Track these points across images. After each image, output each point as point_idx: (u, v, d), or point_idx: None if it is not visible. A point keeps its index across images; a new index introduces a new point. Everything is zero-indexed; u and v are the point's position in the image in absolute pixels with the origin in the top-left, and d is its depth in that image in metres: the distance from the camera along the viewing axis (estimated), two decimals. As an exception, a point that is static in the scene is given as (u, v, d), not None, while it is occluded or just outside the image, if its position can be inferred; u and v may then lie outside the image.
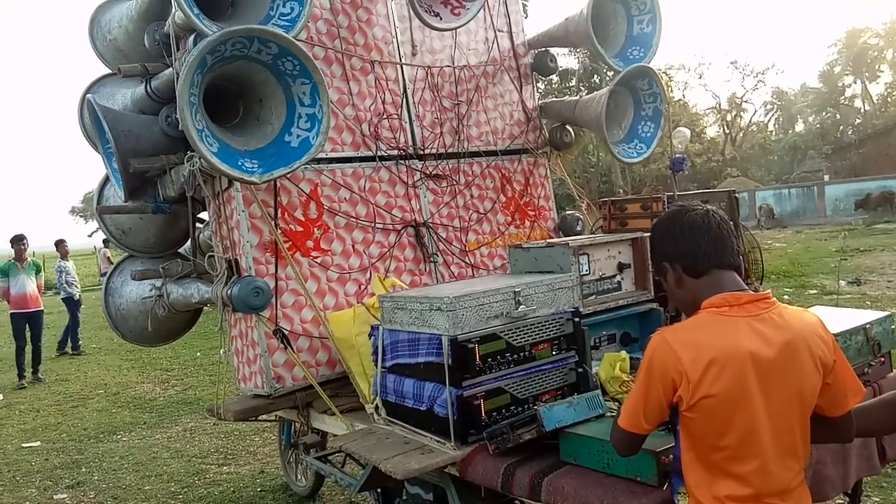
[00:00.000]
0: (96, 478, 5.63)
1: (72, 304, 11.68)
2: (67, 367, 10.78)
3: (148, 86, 4.03)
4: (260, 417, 4.23)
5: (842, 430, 1.89)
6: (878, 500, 3.98)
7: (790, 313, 1.78)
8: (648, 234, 3.65)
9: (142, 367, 10.22)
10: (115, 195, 4.37)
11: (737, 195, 4.48)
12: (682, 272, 1.83)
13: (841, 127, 42.90)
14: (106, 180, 4.55)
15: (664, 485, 2.10)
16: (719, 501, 1.71)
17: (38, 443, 6.77)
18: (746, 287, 1.80)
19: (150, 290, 4.34)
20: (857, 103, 46.48)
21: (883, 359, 3.05)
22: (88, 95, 4.16)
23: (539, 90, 5.45)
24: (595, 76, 29.97)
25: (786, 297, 10.45)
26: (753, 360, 1.67)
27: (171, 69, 3.83)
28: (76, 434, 6.99)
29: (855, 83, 45.92)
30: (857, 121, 43.58)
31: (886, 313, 3.14)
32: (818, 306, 3.79)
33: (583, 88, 29.22)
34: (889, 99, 42.44)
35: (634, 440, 1.84)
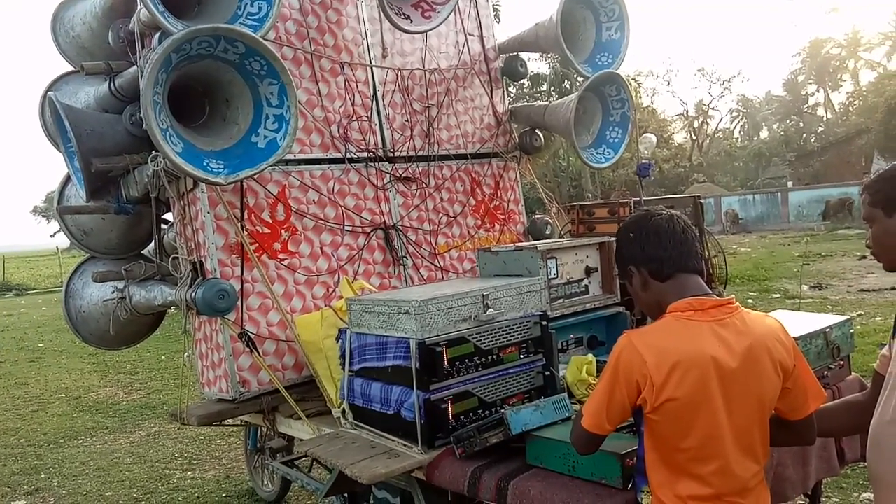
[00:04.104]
0: (56, 484, 5.50)
1: None
2: (27, 371, 10.51)
3: (112, 84, 3.95)
4: (225, 422, 4.17)
5: (803, 434, 1.93)
6: (837, 500, 4.07)
7: (752, 318, 1.81)
8: (615, 238, 3.70)
9: (104, 371, 10.01)
10: (77, 195, 4.27)
11: (702, 200, 4.54)
12: (648, 276, 1.85)
13: (804, 134, 43.91)
14: (67, 180, 4.45)
15: (629, 486, 2.12)
16: (681, 501, 1.74)
17: (-4, 448, 6.59)
18: (710, 291, 1.83)
19: (112, 293, 4.24)
20: (820, 111, 47.62)
21: (842, 362, 3.11)
22: (50, 93, 4.06)
23: (510, 95, 5.48)
24: (566, 81, 30.20)
25: (749, 300, 10.65)
26: (716, 365, 1.69)
27: (135, 67, 3.76)
28: (35, 439, 6.81)
29: (818, 92, 47.08)
30: (820, 129, 44.64)
31: (846, 317, 3.21)
32: (780, 310, 3.86)
33: (553, 94, 29.42)
34: (850, 108, 43.51)
35: (595, 440, 1.86)
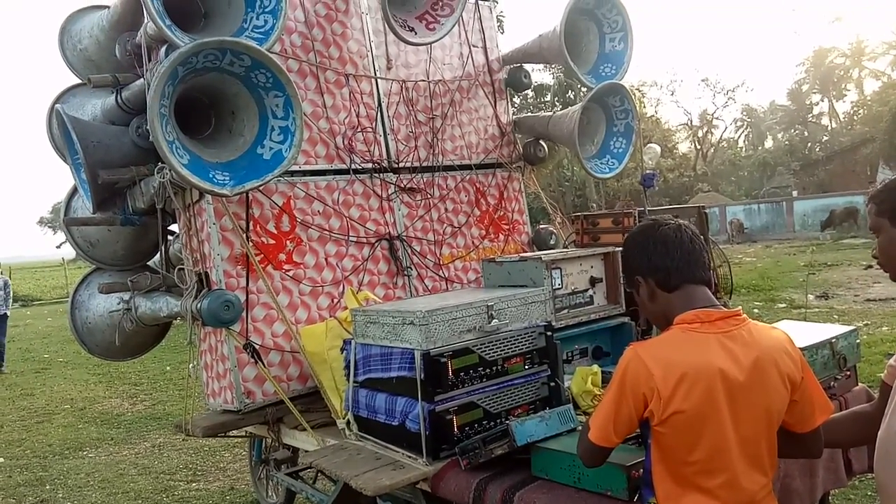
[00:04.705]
0: (61, 495, 5.50)
1: None
2: (33, 382, 10.53)
3: (118, 97, 3.98)
4: (230, 433, 4.16)
5: (810, 446, 1.91)
6: (845, 512, 4.04)
7: (759, 330, 1.80)
8: (620, 248, 3.69)
9: (110, 382, 10.03)
10: (84, 207, 4.29)
11: (707, 210, 4.54)
12: (655, 286, 1.85)
13: (809, 144, 43.85)
14: (74, 191, 4.47)
15: (634, 498, 2.11)
16: (688, 514, 1.72)
17: (1, 459, 6.59)
18: (717, 302, 1.83)
19: (118, 304, 4.25)
20: (825, 121, 47.58)
21: (849, 372, 3.09)
22: (57, 105, 4.09)
23: (514, 105, 5.49)
24: (569, 92, 30.27)
25: (755, 310, 10.61)
26: (723, 378, 1.68)
27: (142, 80, 3.78)
28: (41, 450, 6.82)
29: (822, 101, 47.03)
30: (825, 138, 44.56)
31: (852, 327, 3.19)
32: (786, 320, 3.85)
33: (557, 104, 29.48)
34: (855, 117, 43.48)
35: (603, 452, 1.85)
